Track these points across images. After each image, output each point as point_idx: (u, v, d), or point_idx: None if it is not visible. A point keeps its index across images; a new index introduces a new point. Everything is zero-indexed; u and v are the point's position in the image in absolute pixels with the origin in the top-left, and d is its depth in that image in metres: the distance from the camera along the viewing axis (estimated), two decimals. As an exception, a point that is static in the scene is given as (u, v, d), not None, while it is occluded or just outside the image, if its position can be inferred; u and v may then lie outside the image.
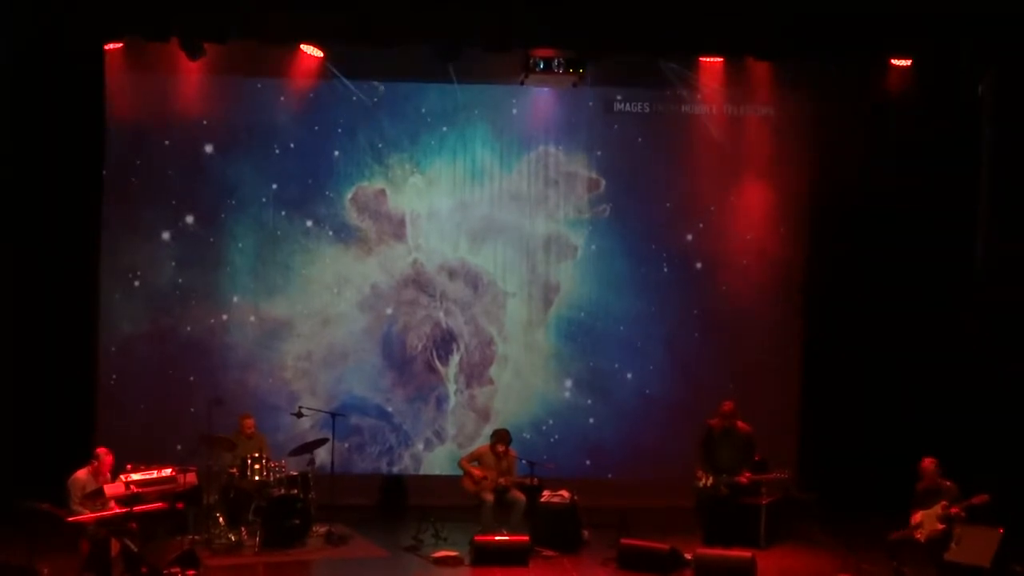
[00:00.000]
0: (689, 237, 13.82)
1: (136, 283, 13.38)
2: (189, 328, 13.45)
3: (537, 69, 12.43)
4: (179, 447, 12.26)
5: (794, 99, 13.55)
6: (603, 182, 13.88)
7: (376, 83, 13.53)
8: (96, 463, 10.36)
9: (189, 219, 13.46)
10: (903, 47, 12.11)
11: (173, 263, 13.46)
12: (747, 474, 11.53)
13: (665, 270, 13.87)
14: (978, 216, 12.74)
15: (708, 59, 13.14)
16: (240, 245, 13.56)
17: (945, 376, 12.79)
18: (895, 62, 12.48)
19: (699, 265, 13.84)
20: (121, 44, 12.72)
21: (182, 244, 13.48)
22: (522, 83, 12.99)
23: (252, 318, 13.57)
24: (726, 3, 11.78)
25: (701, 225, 13.82)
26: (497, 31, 11.65)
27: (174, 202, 13.45)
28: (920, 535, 10.36)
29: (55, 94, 12.39)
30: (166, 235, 13.44)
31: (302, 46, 12.82)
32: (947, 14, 11.59)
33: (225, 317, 13.54)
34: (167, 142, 13.34)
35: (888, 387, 13.16)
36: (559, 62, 12.32)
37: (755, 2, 11.76)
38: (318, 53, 12.93)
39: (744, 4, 11.76)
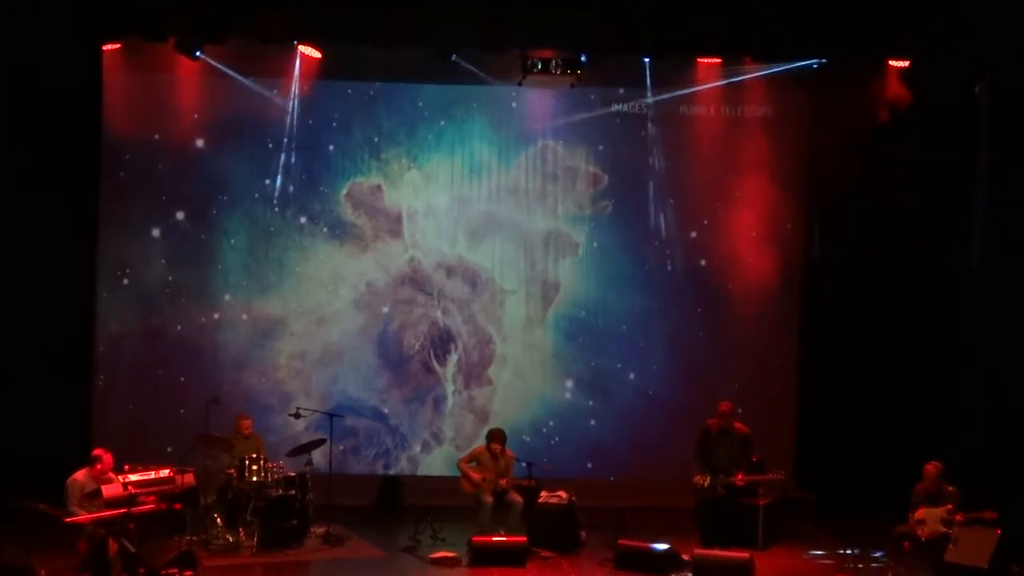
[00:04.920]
0: (693, 234, 14.35)
1: (125, 281, 13.96)
2: (180, 327, 14.01)
3: (535, 70, 12.85)
4: (169, 449, 12.71)
5: (792, 100, 14.09)
6: (605, 177, 14.43)
7: (374, 83, 14.09)
8: (97, 464, 10.78)
9: (180, 215, 14.03)
10: (901, 48, 12.66)
11: (163, 260, 14.01)
12: (740, 475, 12.10)
13: (669, 267, 14.38)
14: (977, 217, 13.18)
15: (706, 60, 13.66)
16: (232, 242, 14.13)
17: (944, 376, 13.40)
18: (893, 63, 13.05)
19: (703, 262, 14.37)
20: (119, 45, 13.33)
21: (173, 241, 14.02)
22: (520, 84, 13.48)
23: (245, 316, 14.12)
24: (724, 4, 12.33)
25: (706, 222, 14.35)
26: (495, 31, 12.29)
27: (164, 198, 14.00)
28: (923, 532, 11.07)
29: (53, 95, 12.99)
30: (156, 232, 13.99)
31: (300, 47, 13.37)
32: (945, 15, 12.13)
33: (217, 315, 14.09)
34: (157, 136, 13.89)
35: (887, 387, 13.72)
36: (557, 63, 12.74)
37: (753, 3, 12.31)
38: (316, 54, 13.50)
39: (742, 5, 12.30)
